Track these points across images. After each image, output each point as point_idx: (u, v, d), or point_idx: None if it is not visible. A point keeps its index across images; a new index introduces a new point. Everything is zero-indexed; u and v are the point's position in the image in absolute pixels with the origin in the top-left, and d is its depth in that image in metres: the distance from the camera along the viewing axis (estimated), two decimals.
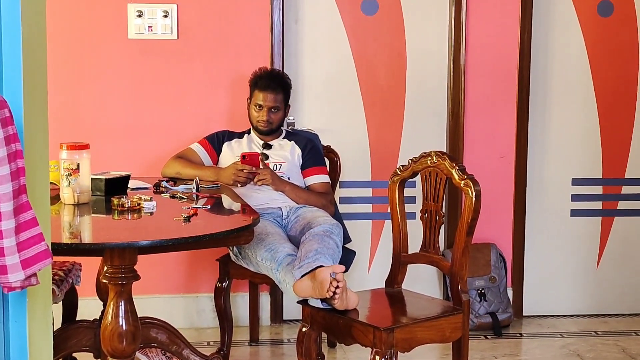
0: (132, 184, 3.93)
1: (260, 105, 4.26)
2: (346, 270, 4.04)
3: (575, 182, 5.03)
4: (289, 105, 4.38)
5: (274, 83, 4.28)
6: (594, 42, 4.95)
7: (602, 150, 5.02)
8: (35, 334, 1.93)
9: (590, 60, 4.95)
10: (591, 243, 5.09)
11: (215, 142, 4.36)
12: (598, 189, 5.06)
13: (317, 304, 3.33)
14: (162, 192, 3.88)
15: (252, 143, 4.34)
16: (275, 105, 4.27)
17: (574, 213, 5.05)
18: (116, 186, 3.80)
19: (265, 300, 4.80)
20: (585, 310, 5.11)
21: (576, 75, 4.97)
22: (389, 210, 3.67)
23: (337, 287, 3.22)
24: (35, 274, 1.74)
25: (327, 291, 3.23)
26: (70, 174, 3.55)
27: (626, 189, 5.07)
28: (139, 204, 3.41)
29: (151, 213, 3.39)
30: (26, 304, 1.87)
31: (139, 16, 4.57)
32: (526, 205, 4.98)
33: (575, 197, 5.04)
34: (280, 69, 4.61)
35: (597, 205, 5.07)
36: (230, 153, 4.30)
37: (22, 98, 1.81)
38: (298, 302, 3.46)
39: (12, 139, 1.69)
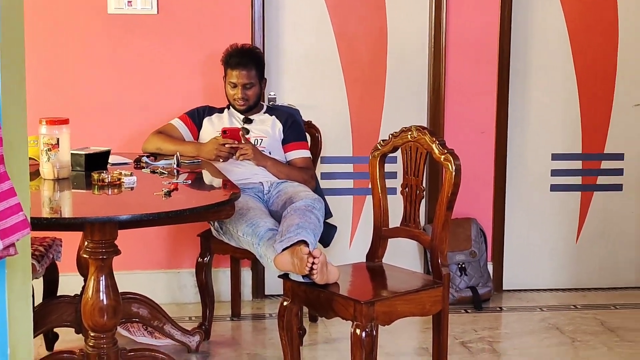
0: (112, 159, 3.92)
1: (234, 84, 4.24)
2: (327, 245, 4.09)
3: (555, 157, 5.06)
4: (265, 79, 4.35)
5: (245, 59, 4.25)
6: (574, 18, 4.96)
7: (581, 126, 5.05)
8: (15, 306, 1.93)
9: (570, 37, 4.97)
10: (571, 218, 5.12)
11: (196, 117, 4.34)
12: (577, 164, 5.09)
13: (298, 278, 3.34)
14: (143, 168, 3.88)
15: (233, 118, 4.33)
16: (249, 82, 4.24)
17: (554, 188, 5.08)
18: (96, 161, 3.80)
19: (246, 275, 4.81)
20: (564, 284, 5.15)
21: (556, 51, 4.98)
22: (370, 186, 3.69)
23: (314, 262, 3.24)
24: (13, 245, 1.74)
25: (305, 266, 3.24)
26: (49, 149, 3.54)
27: (605, 164, 5.10)
28: (119, 179, 3.41)
29: (132, 188, 3.39)
30: (5, 275, 1.87)
31: None
32: (506, 180, 5.01)
33: (555, 172, 5.07)
34: (261, 44, 4.60)
35: (577, 180, 5.10)
36: (211, 128, 4.29)
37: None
38: (279, 277, 3.47)
39: None
